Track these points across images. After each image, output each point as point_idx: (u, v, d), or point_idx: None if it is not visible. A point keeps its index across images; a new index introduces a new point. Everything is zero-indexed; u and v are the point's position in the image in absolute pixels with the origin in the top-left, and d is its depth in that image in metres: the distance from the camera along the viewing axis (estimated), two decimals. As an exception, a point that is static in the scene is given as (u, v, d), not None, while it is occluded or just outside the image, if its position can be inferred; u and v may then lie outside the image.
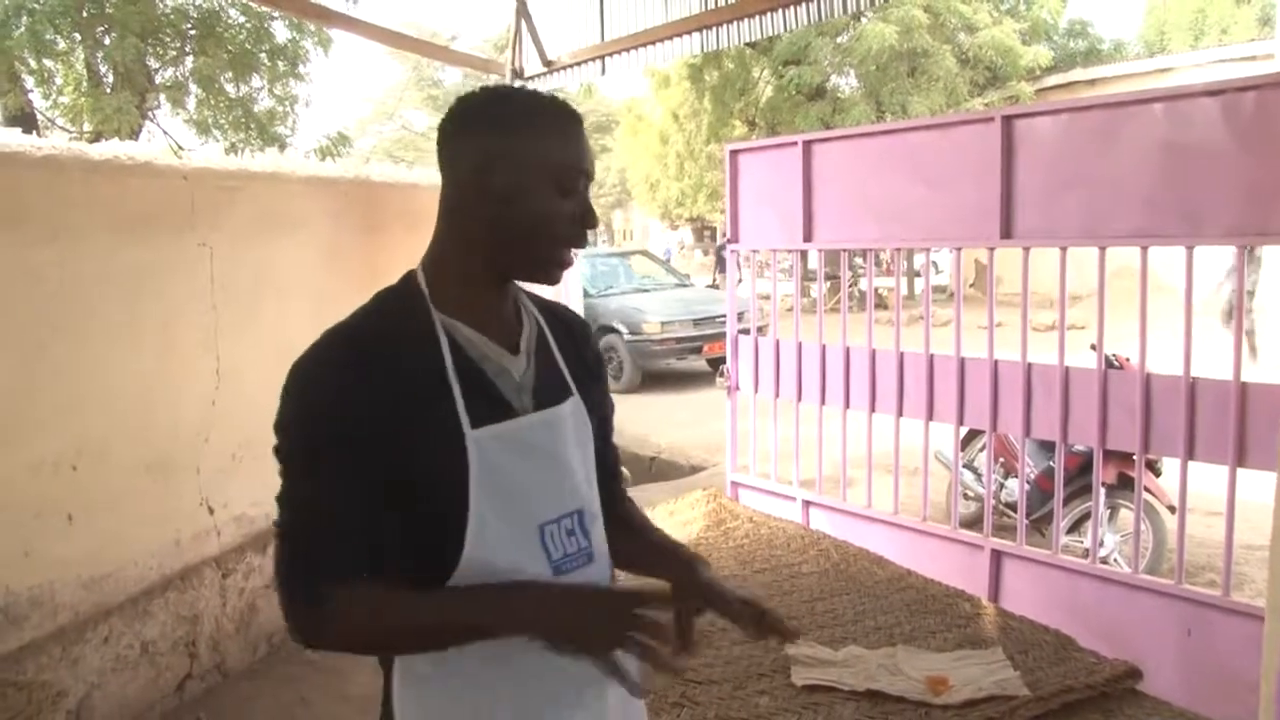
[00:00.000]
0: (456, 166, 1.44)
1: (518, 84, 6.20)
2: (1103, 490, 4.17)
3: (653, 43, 5.79)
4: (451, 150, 1.45)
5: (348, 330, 1.41)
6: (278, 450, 1.40)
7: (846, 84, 20.87)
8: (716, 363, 12.14)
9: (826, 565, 3.56)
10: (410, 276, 1.48)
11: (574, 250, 1.49)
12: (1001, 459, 5.98)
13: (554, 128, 1.45)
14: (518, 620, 1.34)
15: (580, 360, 1.61)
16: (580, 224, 1.46)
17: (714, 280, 24.16)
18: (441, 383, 1.39)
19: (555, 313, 1.65)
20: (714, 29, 5.48)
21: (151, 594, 4.07)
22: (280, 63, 13.39)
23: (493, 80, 6.72)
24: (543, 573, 1.42)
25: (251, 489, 4.62)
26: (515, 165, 1.41)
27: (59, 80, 12.23)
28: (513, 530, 1.40)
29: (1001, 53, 18.85)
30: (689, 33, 5.60)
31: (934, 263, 16.67)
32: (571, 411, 1.52)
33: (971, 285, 17.46)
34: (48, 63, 11.76)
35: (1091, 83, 18.46)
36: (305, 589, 1.35)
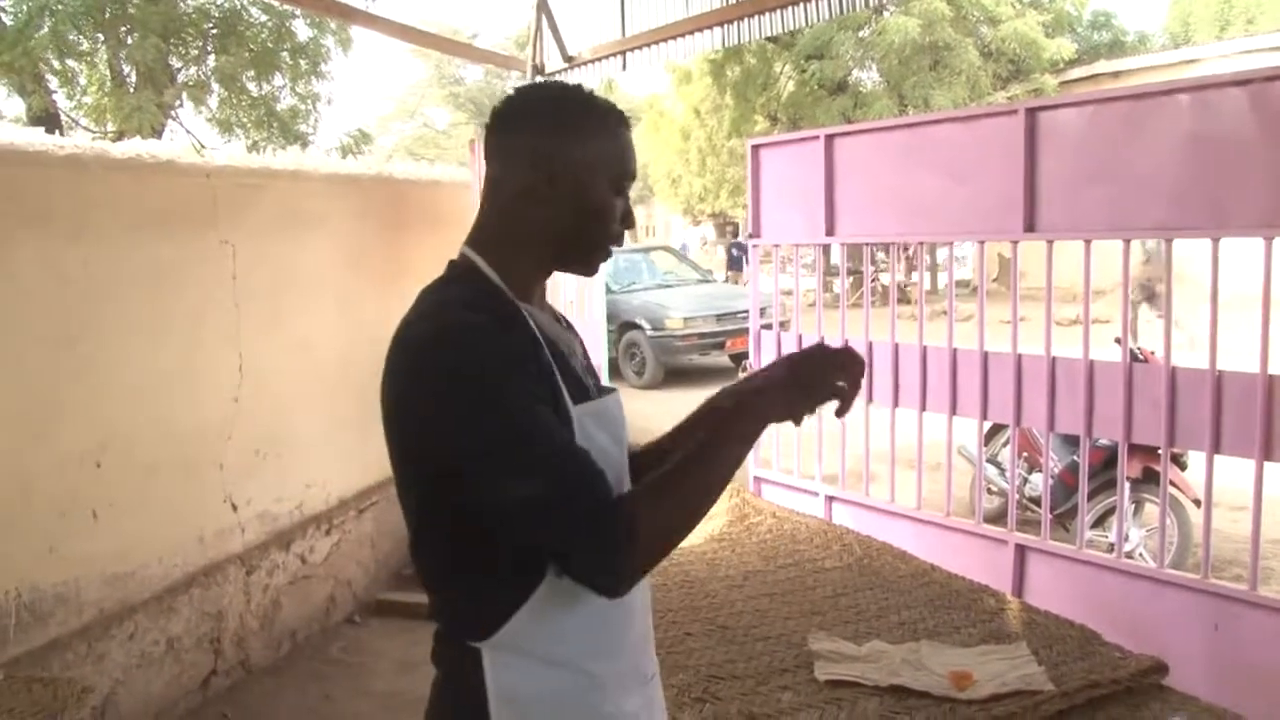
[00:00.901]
0: (515, 160, 1.47)
1: (539, 80, 6.19)
2: (1127, 484, 4.14)
3: (673, 38, 5.78)
4: (509, 144, 1.49)
5: (460, 302, 1.42)
6: (483, 453, 1.32)
7: (869, 78, 20.79)
8: (739, 358, 12.10)
9: (850, 560, 3.54)
10: (470, 267, 1.49)
11: (614, 248, 1.56)
12: (1025, 454, 5.95)
13: (609, 129, 1.51)
14: (767, 417, 1.48)
15: (583, 350, 1.68)
16: (623, 223, 1.53)
17: (726, 276, 24.14)
18: (541, 360, 1.41)
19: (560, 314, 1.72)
20: (734, 24, 5.47)
21: (176, 591, 4.10)
22: (302, 61, 13.43)
23: (514, 77, 6.72)
24: None
25: (274, 486, 4.65)
26: (578, 163, 1.46)
27: (82, 80, 12.31)
28: None
29: (1025, 45, 18.72)
30: (709, 27, 5.59)
31: (958, 257, 16.62)
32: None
33: (995, 280, 17.36)
34: (71, 63, 11.85)
35: (1116, 75, 18.31)
36: (616, 534, 1.31)
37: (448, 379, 1.33)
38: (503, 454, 1.31)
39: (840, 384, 1.52)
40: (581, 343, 1.66)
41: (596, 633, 1.45)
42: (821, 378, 1.50)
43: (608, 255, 1.56)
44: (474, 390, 1.32)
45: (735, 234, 33.82)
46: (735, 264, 25.30)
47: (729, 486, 4.78)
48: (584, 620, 1.42)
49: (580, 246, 1.52)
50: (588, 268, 1.57)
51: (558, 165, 1.44)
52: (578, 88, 1.52)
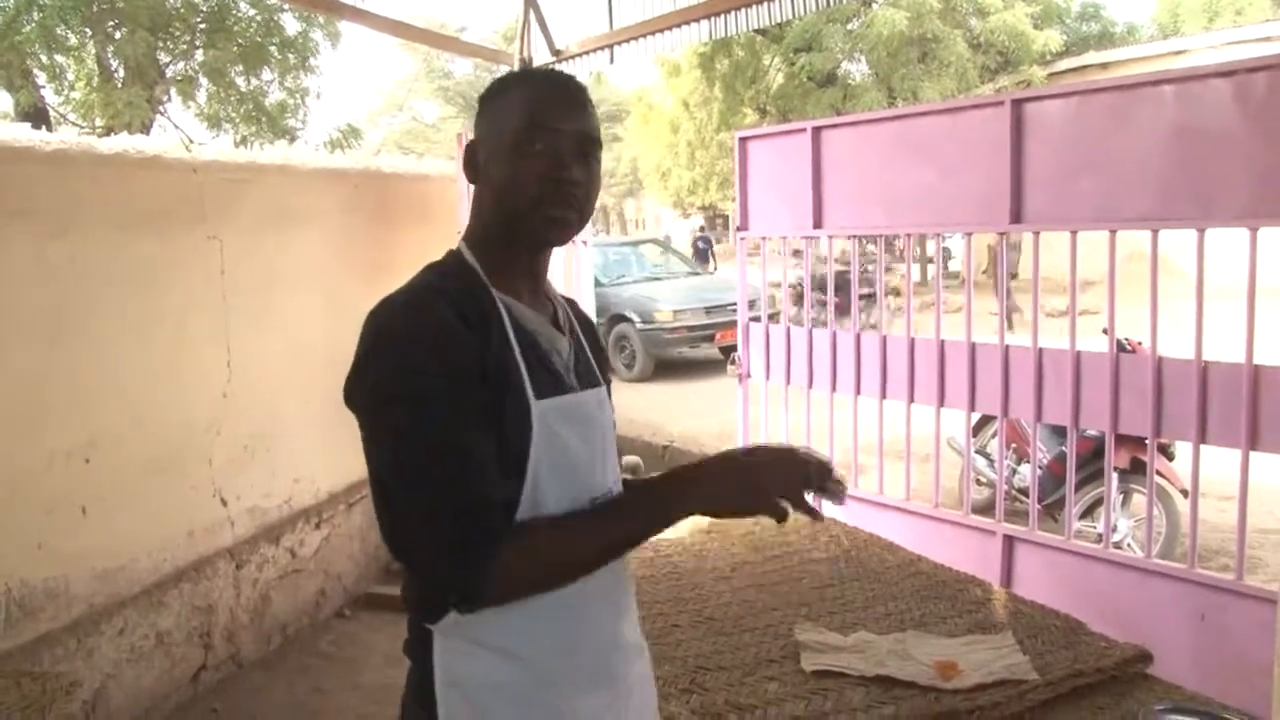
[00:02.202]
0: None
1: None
2: (1115, 475, 4.15)
3: (661, 30, 5.78)
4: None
5: (426, 284, 1.42)
6: (377, 405, 1.35)
7: (858, 70, 20.77)
8: (729, 350, 12.11)
9: (837, 551, 3.55)
10: (457, 253, 1.51)
11: (562, 208, 1.44)
12: (1014, 444, 5.97)
13: (508, 92, 1.49)
14: (689, 511, 1.40)
15: (594, 346, 1.66)
16: (552, 177, 1.42)
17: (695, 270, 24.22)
18: (507, 351, 1.40)
19: (572, 304, 1.69)
20: (722, 16, 5.47)
21: (165, 586, 4.10)
22: (290, 55, 13.44)
23: (502, 71, 6.72)
24: None
25: (264, 480, 4.64)
26: (487, 139, 1.49)
27: (70, 76, 12.28)
28: (573, 500, 1.43)
29: (1013, 37, 18.72)
30: (697, 20, 5.59)
31: (946, 249, 16.64)
32: (605, 394, 1.60)
33: (984, 272, 17.38)
34: (59, 58, 11.81)
35: (1104, 66, 18.31)
36: (465, 544, 1.31)
37: (372, 344, 1.36)
38: (396, 431, 1.33)
39: (804, 489, 1.39)
40: (579, 341, 1.61)
41: (543, 627, 1.42)
42: (774, 487, 1.38)
43: (555, 218, 1.45)
44: (390, 366, 1.34)
45: (726, 226, 33.81)
46: (701, 256, 25.35)
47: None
48: (530, 614, 1.40)
49: (507, 218, 1.46)
50: (532, 240, 1.49)
51: (478, 147, 1.50)
52: (516, 69, 1.53)
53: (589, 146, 1.47)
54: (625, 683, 1.54)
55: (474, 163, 1.51)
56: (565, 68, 6.35)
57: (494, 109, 1.49)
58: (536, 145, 1.42)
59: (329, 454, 4.95)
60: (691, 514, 1.40)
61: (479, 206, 1.51)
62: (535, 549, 1.35)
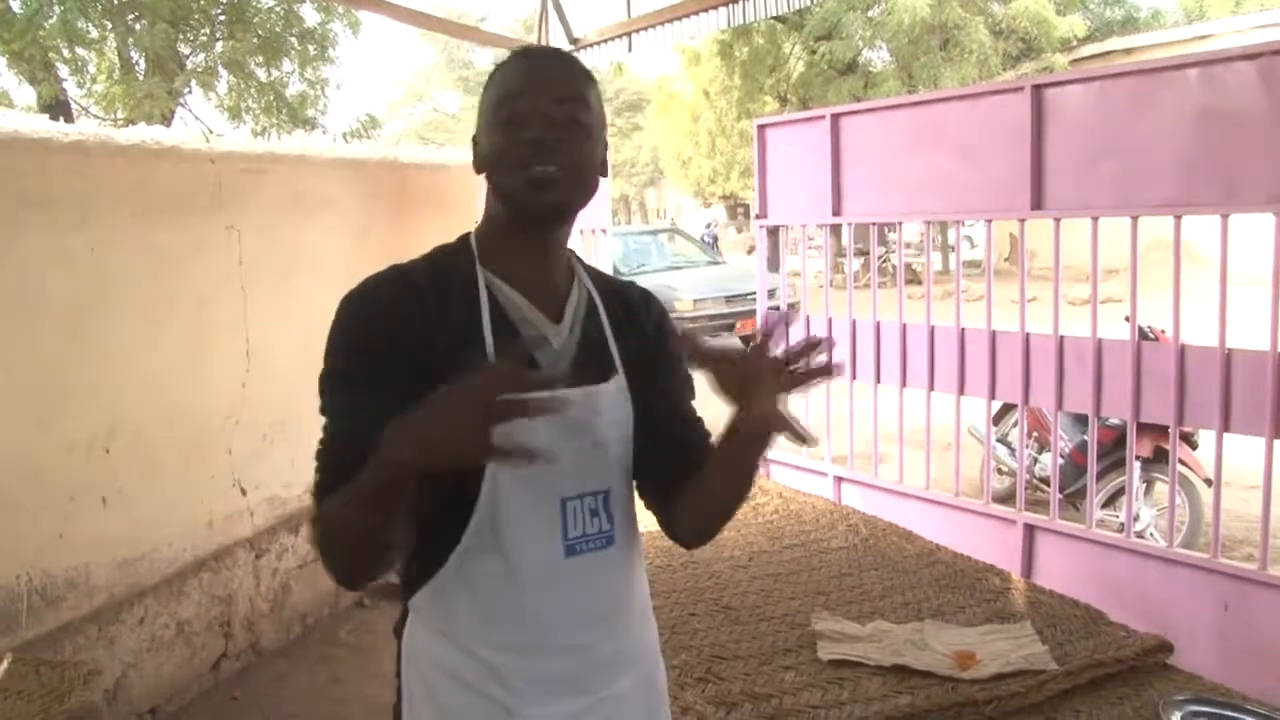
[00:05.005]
0: None
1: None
2: (1137, 464, 4.12)
3: (680, 18, 5.74)
4: None
5: (398, 268, 1.45)
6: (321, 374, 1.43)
7: (879, 58, 20.67)
8: (749, 340, 12.06)
9: (855, 540, 3.54)
10: (465, 236, 1.52)
11: (540, 164, 1.38)
12: (1035, 433, 5.93)
13: (496, 76, 1.48)
14: (391, 458, 1.20)
15: (639, 339, 1.56)
16: (530, 152, 1.38)
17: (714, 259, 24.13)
18: (477, 338, 1.39)
19: (616, 290, 1.61)
20: (741, 3, 5.42)
21: (185, 575, 4.12)
22: (310, 46, 13.44)
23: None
24: (554, 547, 1.42)
25: (283, 470, 4.66)
26: (479, 128, 1.49)
27: (92, 68, 12.34)
28: (533, 498, 1.39)
29: (1035, 23, 18.54)
30: (715, 7, 5.55)
31: (968, 237, 16.54)
32: (615, 391, 1.48)
33: (1006, 259, 17.28)
34: (80, 51, 11.87)
35: (1128, 52, 18.17)
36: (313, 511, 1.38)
37: (328, 333, 1.43)
38: (320, 397, 1.42)
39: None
40: (599, 333, 1.51)
41: (494, 627, 1.41)
42: (448, 434, 1.17)
43: (532, 182, 1.38)
44: (330, 341, 1.42)
45: (747, 215, 33.67)
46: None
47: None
48: (480, 611, 1.41)
49: (501, 198, 1.44)
50: (524, 210, 1.42)
51: (477, 138, 1.50)
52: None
53: (571, 107, 1.42)
54: (602, 694, 1.47)
55: (477, 154, 1.50)
56: (583, 56, 6.33)
57: (484, 95, 1.49)
58: (506, 113, 1.41)
59: (348, 443, 4.94)
60: (388, 486, 1.22)
61: (487, 196, 1.49)
62: (314, 515, 1.37)
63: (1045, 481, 5.63)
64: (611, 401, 1.48)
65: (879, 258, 4.89)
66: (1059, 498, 4.18)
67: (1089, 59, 18.89)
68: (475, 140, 1.50)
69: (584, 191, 1.46)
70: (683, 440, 1.59)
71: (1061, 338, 3.91)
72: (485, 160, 1.45)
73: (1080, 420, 5.36)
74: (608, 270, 6.67)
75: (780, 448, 5.28)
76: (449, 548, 1.40)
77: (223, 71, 13.02)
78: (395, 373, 1.34)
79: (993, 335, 4.16)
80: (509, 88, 1.43)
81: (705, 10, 5.59)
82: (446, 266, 1.45)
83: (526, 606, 1.41)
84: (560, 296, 1.50)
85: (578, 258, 1.60)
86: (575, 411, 1.38)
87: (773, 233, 5.71)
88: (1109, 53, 18.78)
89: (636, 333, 1.56)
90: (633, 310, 1.59)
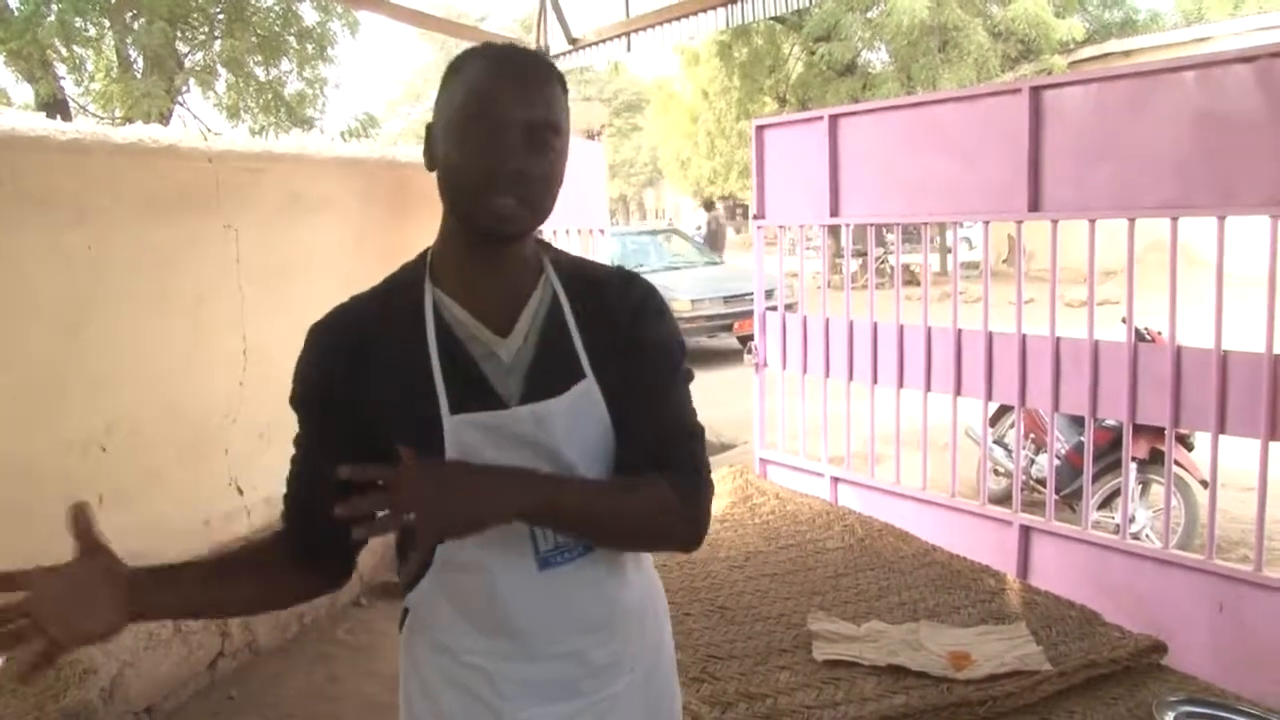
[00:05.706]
0: None
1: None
2: (1133, 465, 4.12)
3: (679, 18, 5.75)
4: None
5: (341, 309, 1.47)
6: None
7: (878, 59, 20.65)
8: (747, 340, 12.07)
9: (851, 541, 3.55)
10: (424, 251, 1.49)
11: (505, 199, 1.32)
12: (1032, 434, 5.93)
13: (467, 73, 1.37)
14: None
15: (609, 330, 1.45)
16: (492, 176, 1.32)
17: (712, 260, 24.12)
18: (425, 364, 1.37)
19: (594, 281, 1.50)
20: (740, 3, 5.43)
21: (182, 573, 4.11)
22: (308, 45, 13.42)
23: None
24: (526, 563, 1.39)
25: (280, 470, 4.62)
26: (437, 122, 1.41)
27: (90, 67, 12.32)
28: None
29: (1034, 25, 18.52)
30: (714, 8, 5.56)
31: (966, 238, 16.54)
32: (578, 397, 1.40)
33: (1004, 261, 17.28)
34: (78, 49, 11.85)
35: (1127, 54, 18.16)
36: None
37: None
38: None
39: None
40: (561, 341, 1.43)
41: (471, 628, 1.42)
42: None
43: (493, 214, 1.33)
44: (297, 361, 1.50)
45: (745, 216, 33.66)
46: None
47: (733, 467, 4.77)
48: (459, 614, 1.43)
49: (452, 210, 1.39)
50: (476, 233, 1.37)
51: (432, 131, 1.43)
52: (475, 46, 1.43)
53: (542, 134, 1.34)
54: (594, 697, 1.45)
55: (430, 149, 1.41)
56: (582, 56, 6.34)
57: (446, 90, 1.38)
58: (479, 132, 1.32)
59: (345, 443, 4.94)
60: None
61: (441, 194, 1.40)
62: None
63: (1041, 483, 5.63)
64: (574, 409, 1.40)
65: (877, 259, 4.90)
66: (1055, 499, 4.18)
67: (1087, 61, 18.88)
68: (429, 131, 1.42)
69: (544, 217, 1.41)
70: (636, 438, 1.46)
71: (1058, 339, 3.92)
72: (442, 168, 1.37)
73: (1076, 421, 5.37)
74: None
75: (780, 447, 5.28)
76: (431, 554, 1.42)
77: (221, 70, 13.01)
78: (329, 421, 1.46)
79: (990, 336, 4.16)
80: (487, 101, 1.32)
81: (704, 11, 5.60)
82: (399, 289, 1.45)
83: (508, 619, 1.40)
84: (518, 303, 1.43)
85: (555, 251, 1.53)
86: (526, 428, 1.36)
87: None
88: (1107, 55, 18.78)
89: (607, 324, 1.45)
90: (605, 301, 1.48)
